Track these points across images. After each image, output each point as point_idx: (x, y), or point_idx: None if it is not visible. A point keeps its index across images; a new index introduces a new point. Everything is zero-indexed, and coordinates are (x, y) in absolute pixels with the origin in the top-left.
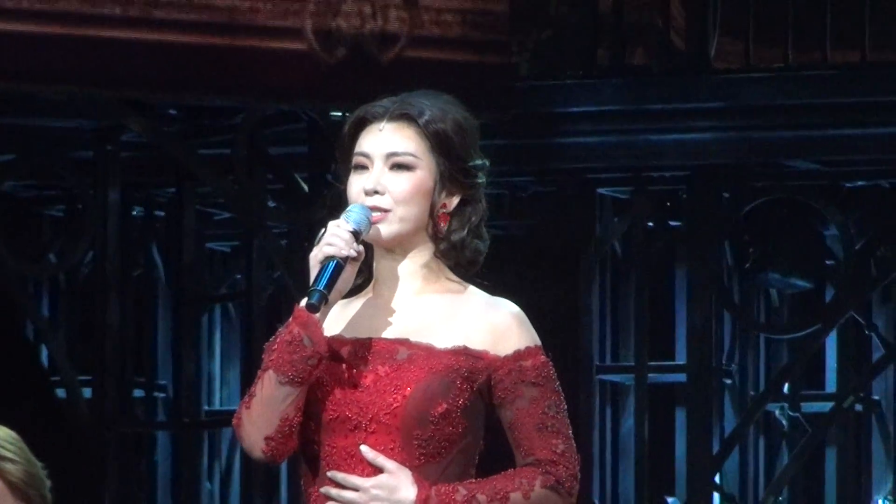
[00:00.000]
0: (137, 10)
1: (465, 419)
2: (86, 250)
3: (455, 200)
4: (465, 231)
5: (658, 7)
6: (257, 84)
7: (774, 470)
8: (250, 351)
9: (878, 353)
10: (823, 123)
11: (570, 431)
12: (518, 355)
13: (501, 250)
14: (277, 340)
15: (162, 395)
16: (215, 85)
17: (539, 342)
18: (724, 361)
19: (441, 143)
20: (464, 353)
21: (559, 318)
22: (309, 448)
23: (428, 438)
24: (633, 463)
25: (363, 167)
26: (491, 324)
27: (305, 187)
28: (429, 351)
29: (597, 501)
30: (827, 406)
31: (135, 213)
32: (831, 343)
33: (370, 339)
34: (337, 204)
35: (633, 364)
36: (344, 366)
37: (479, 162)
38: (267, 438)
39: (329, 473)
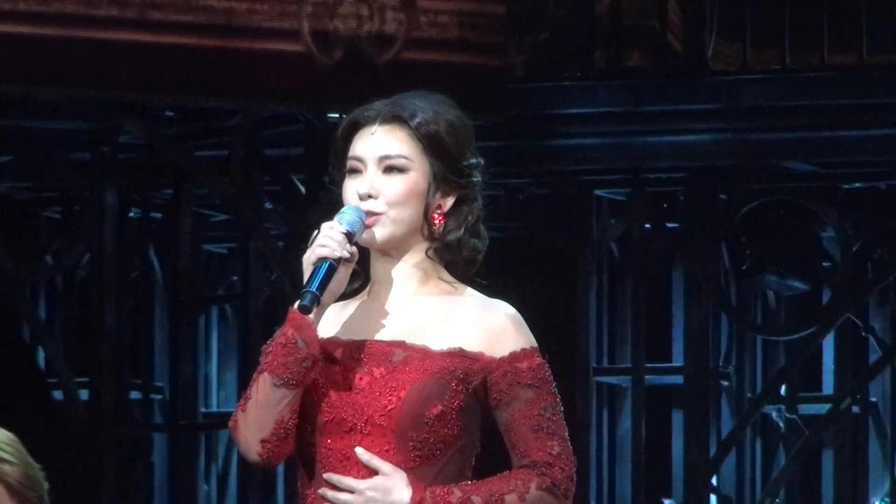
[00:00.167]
0: (134, 11)
1: (460, 421)
2: (82, 252)
3: (450, 200)
4: (462, 230)
5: (655, 9)
6: (254, 86)
7: (771, 472)
8: (247, 353)
9: (874, 356)
10: (820, 125)
11: (567, 433)
12: (514, 357)
13: (498, 252)
14: (272, 343)
15: (158, 396)
16: (212, 87)
17: (535, 344)
18: (720, 363)
19: (434, 145)
20: (459, 354)
21: (556, 319)
22: (305, 450)
23: (423, 440)
24: (630, 465)
25: (357, 171)
26: (487, 325)
27: (302, 189)
28: (424, 353)
29: (594, 503)
30: (824, 408)
31: (131, 214)
32: (828, 345)
33: (366, 341)
34: (333, 208)
35: (629, 366)
36: (339, 368)
37: (473, 161)
38: (263, 441)
39: (325, 475)
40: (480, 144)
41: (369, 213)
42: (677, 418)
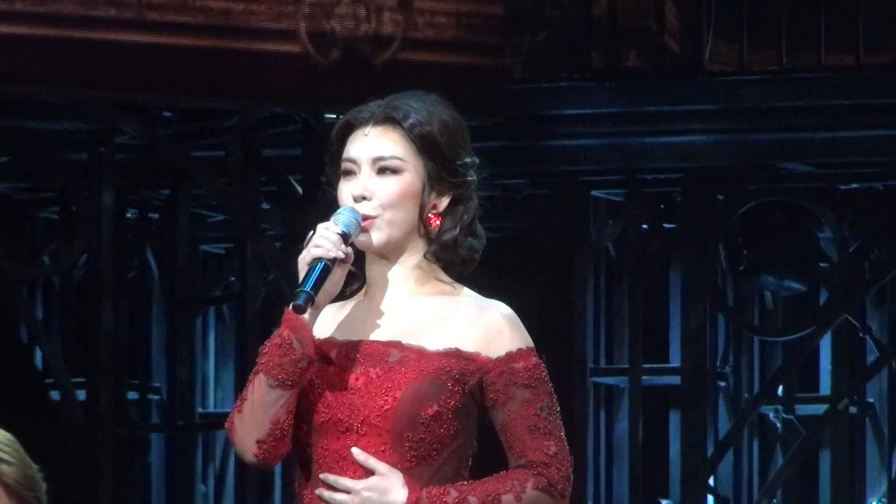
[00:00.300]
0: (131, 12)
1: (456, 421)
2: (80, 252)
3: (446, 200)
4: (458, 230)
5: (652, 10)
6: (251, 86)
7: (768, 472)
8: (244, 353)
9: (872, 356)
10: (818, 126)
11: (563, 433)
12: (510, 357)
13: (495, 253)
14: (268, 344)
15: (156, 397)
16: (209, 87)
17: (531, 344)
18: (718, 364)
19: (427, 146)
20: (455, 354)
21: (553, 320)
22: (302, 451)
23: (419, 440)
24: (628, 465)
25: (351, 173)
26: (483, 325)
27: (300, 189)
28: (420, 353)
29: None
30: (821, 409)
31: (129, 215)
32: (825, 345)
33: (362, 341)
34: (331, 208)
35: (627, 366)
36: (336, 368)
37: (468, 160)
38: (259, 442)
39: (321, 476)
40: (477, 145)
41: (365, 217)
42: (674, 419)
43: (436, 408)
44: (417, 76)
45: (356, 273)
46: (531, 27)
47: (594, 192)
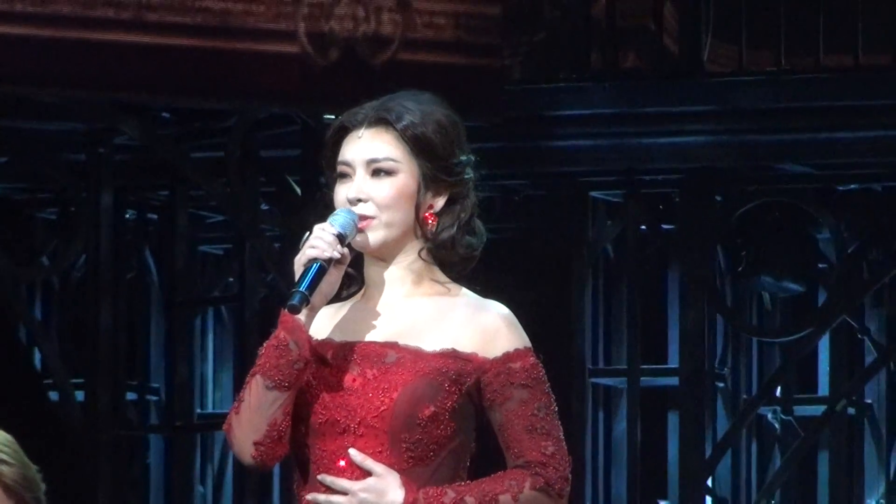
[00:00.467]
0: (130, 12)
1: (453, 422)
2: (79, 253)
3: (442, 200)
4: (455, 228)
5: (651, 10)
6: (250, 87)
7: (767, 473)
8: (243, 354)
9: (870, 357)
10: (816, 127)
11: (561, 433)
12: (507, 357)
13: (493, 253)
14: (265, 345)
15: (154, 398)
16: (208, 88)
17: (529, 344)
18: (716, 365)
19: (421, 146)
20: (452, 355)
21: (552, 321)
22: (300, 452)
23: (416, 441)
24: (626, 466)
25: (346, 175)
26: (480, 326)
27: (298, 190)
28: (417, 354)
29: None
30: (819, 410)
31: (127, 216)
32: (824, 347)
33: (359, 342)
34: (329, 209)
35: (625, 367)
36: (333, 370)
37: (463, 158)
38: (256, 443)
39: (318, 477)
40: (475, 146)
41: (362, 218)
42: (673, 420)
43: (433, 408)
44: (416, 77)
45: (354, 275)
46: (530, 28)
47: (593, 193)
